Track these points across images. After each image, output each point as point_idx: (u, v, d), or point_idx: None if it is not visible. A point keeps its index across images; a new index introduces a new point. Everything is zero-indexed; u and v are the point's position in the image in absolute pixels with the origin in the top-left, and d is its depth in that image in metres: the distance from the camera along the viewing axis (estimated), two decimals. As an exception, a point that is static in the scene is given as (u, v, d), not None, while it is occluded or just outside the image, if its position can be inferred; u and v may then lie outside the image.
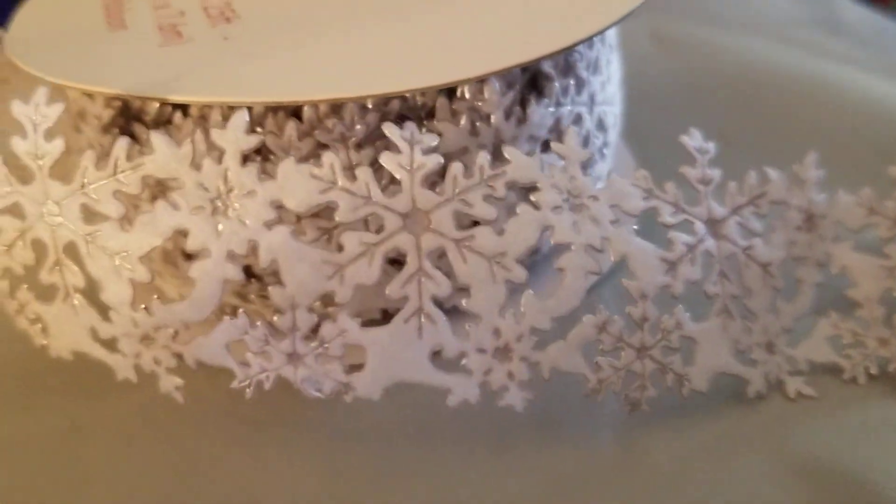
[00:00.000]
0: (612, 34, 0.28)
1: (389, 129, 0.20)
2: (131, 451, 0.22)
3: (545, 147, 0.24)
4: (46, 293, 0.21)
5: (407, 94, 0.21)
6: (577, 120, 0.24)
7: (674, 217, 0.21)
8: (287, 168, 0.19)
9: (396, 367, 0.19)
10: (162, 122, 0.22)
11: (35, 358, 0.22)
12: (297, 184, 0.19)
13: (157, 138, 0.19)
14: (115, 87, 0.21)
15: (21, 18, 0.26)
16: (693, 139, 0.22)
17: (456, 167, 0.20)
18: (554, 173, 0.20)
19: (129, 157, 0.19)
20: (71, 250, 0.20)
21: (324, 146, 0.21)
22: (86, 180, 0.19)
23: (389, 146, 0.20)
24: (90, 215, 0.19)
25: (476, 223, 0.20)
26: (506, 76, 0.22)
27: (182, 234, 0.19)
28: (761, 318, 0.22)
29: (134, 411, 0.23)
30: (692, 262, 0.21)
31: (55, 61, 0.22)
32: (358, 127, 0.21)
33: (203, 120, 0.21)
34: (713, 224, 0.22)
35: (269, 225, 0.19)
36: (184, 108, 0.22)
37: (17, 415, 0.23)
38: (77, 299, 0.20)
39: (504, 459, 0.21)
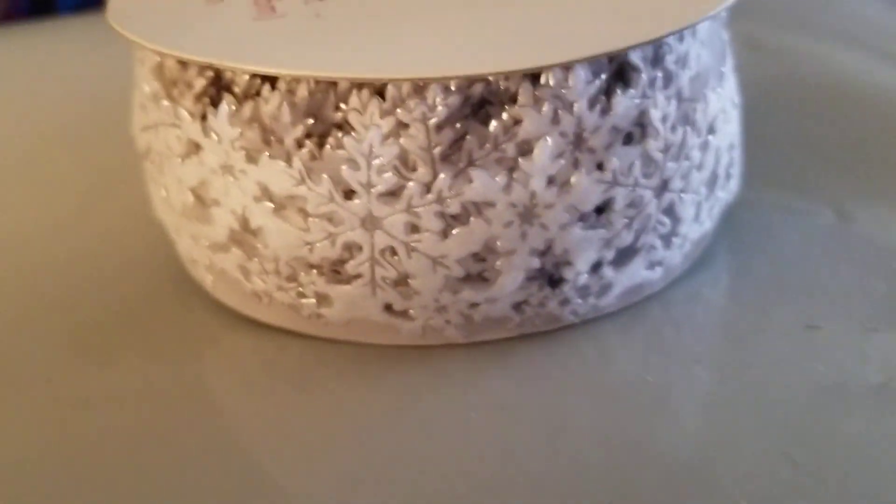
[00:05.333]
0: (703, 30, 0.25)
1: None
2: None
3: (627, 140, 0.23)
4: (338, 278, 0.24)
5: (490, 78, 0.22)
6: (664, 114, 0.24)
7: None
8: None
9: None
10: (251, 95, 0.23)
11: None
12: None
13: (475, 173, 0.22)
14: (207, 56, 0.22)
15: None
16: None
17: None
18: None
19: (450, 188, 0.22)
20: (386, 252, 0.23)
21: (404, 125, 0.22)
22: (412, 203, 0.22)
23: (469, 129, 0.22)
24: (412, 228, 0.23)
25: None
26: (592, 65, 0.22)
27: (492, 241, 0.23)
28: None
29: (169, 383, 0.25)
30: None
31: (153, 30, 0.24)
32: (439, 108, 0.22)
33: (290, 94, 0.23)
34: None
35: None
36: (272, 81, 0.23)
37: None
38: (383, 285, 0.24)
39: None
